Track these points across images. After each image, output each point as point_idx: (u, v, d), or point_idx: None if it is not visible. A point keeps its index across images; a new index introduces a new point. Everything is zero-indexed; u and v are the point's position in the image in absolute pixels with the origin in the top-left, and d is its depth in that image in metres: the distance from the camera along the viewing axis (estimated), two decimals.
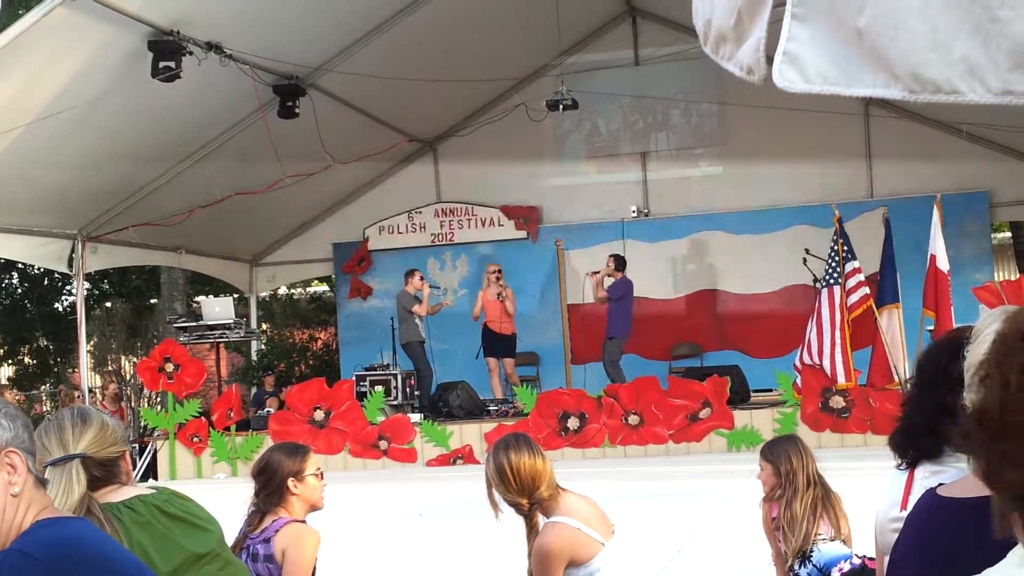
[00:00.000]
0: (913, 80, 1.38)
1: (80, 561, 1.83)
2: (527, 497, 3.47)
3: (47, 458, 2.47)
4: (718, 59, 1.62)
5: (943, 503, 1.94)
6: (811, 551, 4.38)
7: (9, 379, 21.62)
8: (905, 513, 2.27)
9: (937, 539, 1.92)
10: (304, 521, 3.53)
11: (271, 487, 3.54)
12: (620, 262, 13.85)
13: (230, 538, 3.06)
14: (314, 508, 3.62)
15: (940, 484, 2.06)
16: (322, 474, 3.68)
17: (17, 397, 16.30)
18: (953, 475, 2.27)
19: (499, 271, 14.23)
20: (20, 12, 16.87)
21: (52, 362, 21.49)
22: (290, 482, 3.54)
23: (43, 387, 21.37)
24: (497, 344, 14.18)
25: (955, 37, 1.37)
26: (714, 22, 1.63)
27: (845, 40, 1.44)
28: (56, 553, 1.81)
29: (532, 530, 3.51)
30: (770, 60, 1.49)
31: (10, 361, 21.81)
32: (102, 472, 2.56)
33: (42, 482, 1.97)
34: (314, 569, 3.51)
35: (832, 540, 4.43)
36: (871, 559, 4.25)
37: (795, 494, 4.47)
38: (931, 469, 2.53)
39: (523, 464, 3.46)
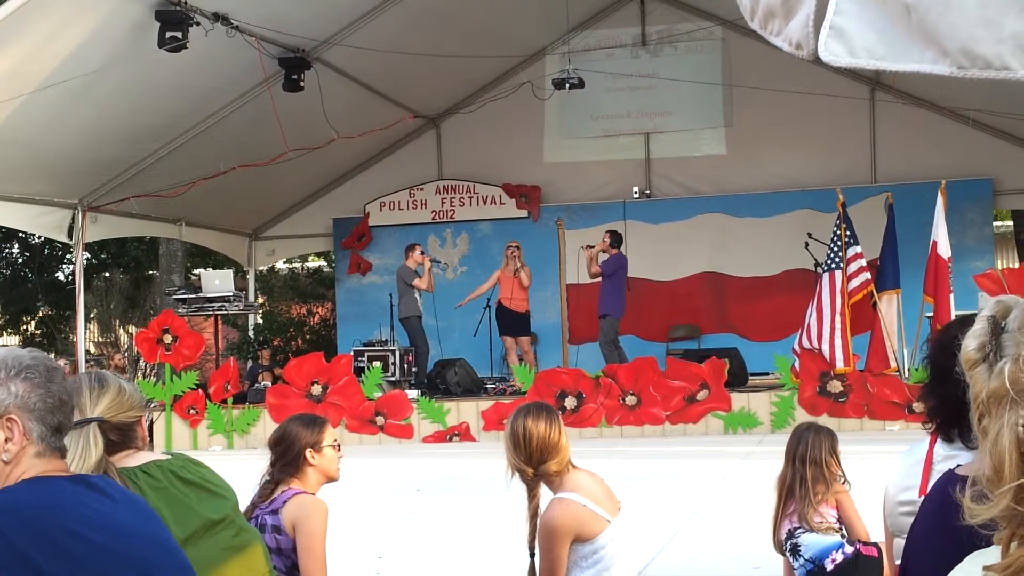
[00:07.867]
0: (963, 56, 1.37)
1: (43, 530, 1.74)
2: (533, 467, 3.46)
3: None
4: (766, 34, 1.60)
5: (963, 480, 1.96)
6: (798, 545, 4.22)
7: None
8: (922, 498, 2.29)
9: (958, 516, 1.94)
10: (314, 493, 3.54)
11: (287, 457, 3.55)
12: (616, 238, 13.74)
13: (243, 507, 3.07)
14: (330, 479, 3.64)
15: (958, 465, 2.09)
16: (339, 445, 3.70)
17: None
18: (968, 457, 2.30)
19: (518, 247, 14.23)
20: None
21: (56, 331, 21.47)
22: (308, 453, 3.56)
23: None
24: (512, 322, 14.16)
25: (1005, 14, 1.36)
26: None
27: (893, 14, 1.43)
28: (13, 522, 1.72)
29: (532, 501, 3.50)
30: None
31: (13, 330, 21.78)
32: (119, 436, 2.57)
33: (58, 450, 1.88)
34: None
35: (830, 528, 4.23)
36: (865, 545, 4.22)
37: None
38: (945, 453, 2.57)
39: (537, 433, 3.46)
